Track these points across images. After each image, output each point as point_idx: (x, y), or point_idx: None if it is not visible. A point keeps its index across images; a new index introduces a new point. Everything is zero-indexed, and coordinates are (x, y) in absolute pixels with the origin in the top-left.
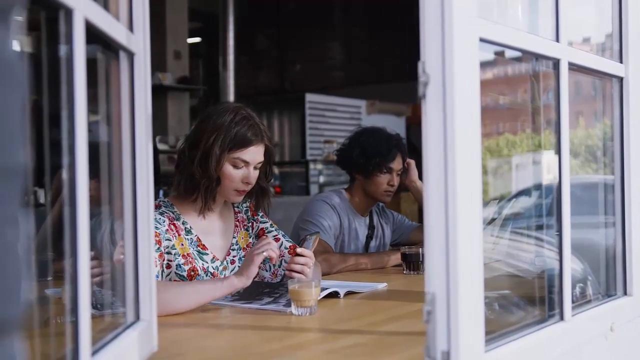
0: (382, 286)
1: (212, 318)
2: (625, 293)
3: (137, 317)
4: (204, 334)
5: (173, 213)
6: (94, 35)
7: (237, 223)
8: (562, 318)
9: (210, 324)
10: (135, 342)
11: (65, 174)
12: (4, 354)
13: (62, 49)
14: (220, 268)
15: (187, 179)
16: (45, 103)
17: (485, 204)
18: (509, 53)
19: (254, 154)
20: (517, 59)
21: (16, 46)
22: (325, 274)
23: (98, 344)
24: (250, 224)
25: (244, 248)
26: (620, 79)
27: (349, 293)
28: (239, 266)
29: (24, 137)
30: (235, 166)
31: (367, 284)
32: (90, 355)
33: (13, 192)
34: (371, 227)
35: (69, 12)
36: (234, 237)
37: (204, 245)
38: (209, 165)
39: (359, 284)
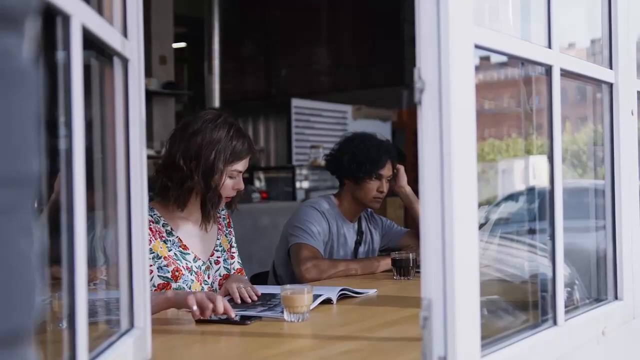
0: (372, 292)
1: (205, 325)
2: (616, 297)
3: (132, 325)
4: (197, 342)
5: (152, 216)
6: (88, 40)
7: (220, 226)
8: (555, 323)
9: (204, 331)
10: (130, 349)
11: (62, 180)
12: None
13: (59, 55)
14: (203, 268)
15: (186, 192)
16: (41, 109)
17: None
18: (495, 58)
19: (246, 163)
20: (503, 64)
21: (29, 54)
22: (316, 280)
23: (94, 351)
24: (228, 231)
25: (227, 250)
26: (610, 85)
27: (342, 297)
28: (224, 267)
29: (37, 145)
30: (231, 177)
31: (359, 290)
32: None
33: (26, 201)
34: (360, 233)
35: (66, 18)
36: (218, 239)
37: (185, 245)
38: (213, 181)
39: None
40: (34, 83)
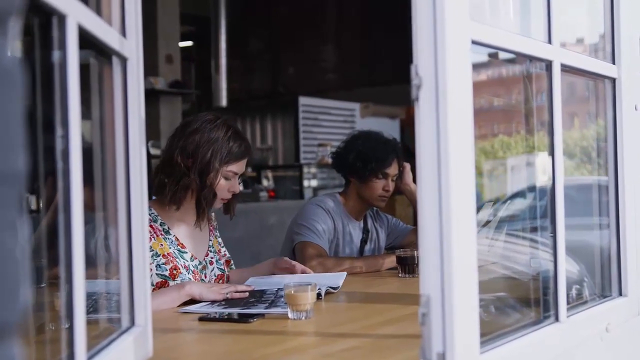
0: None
1: (207, 323)
2: (620, 294)
3: (132, 323)
4: (199, 340)
5: (150, 215)
6: (86, 40)
7: (211, 229)
8: (557, 319)
9: (205, 329)
10: (131, 347)
11: (59, 180)
12: (4, 357)
13: (55, 55)
14: (200, 267)
15: (182, 189)
16: (38, 108)
17: (480, 206)
18: (503, 55)
19: (243, 166)
20: (511, 61)
21: (14, 52)
22: None
23: (94, 349)
24: (216, 233)
25: (217, 252)
26: (613, 80)
27: (343, 294)
28: (217, 267)
29: (23, 142)
30: (226, 178)
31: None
32: None
33: (12, 198)
34: (366, 231)
35: (62, 18)
36: (210, 240)
37: (182, 244)
38: (208, 179)
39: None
40: (18, 82)
